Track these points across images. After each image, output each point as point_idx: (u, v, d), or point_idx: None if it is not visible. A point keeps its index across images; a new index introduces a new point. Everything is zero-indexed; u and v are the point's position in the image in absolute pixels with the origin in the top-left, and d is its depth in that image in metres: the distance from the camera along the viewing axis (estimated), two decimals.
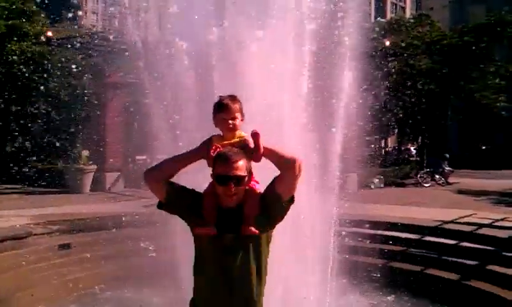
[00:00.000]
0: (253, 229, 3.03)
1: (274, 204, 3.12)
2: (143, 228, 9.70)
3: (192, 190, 3.19)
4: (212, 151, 3.09)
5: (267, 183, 3.20)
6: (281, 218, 3.20)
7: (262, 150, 3.09)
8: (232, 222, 3.04)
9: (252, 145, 3.11)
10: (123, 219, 10.65)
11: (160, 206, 3.20)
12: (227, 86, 6.48)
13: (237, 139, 3.19)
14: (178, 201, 3.12)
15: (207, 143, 3.17)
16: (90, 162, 17.35)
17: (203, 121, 6.86)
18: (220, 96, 3.28)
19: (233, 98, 3.26)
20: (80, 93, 16.52)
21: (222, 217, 3.05)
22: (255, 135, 3.08)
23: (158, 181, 3.10)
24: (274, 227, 3.22)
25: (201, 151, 3.12)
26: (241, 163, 3.01)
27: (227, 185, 2.98)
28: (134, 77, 8.26)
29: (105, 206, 13.48)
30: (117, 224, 10.43)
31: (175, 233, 6.74)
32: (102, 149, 17.39)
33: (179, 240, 6.62)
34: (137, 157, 17.04)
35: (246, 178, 3.06)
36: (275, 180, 3.15)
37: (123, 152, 17.88)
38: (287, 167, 3.08)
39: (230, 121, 3.19)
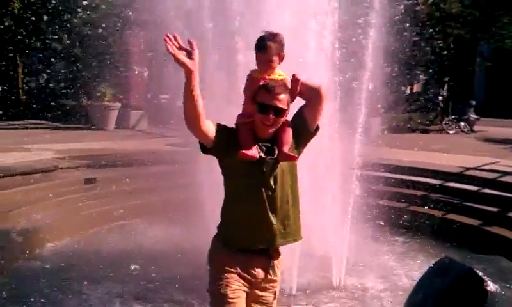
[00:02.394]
0: (291, 153, 3.17)
1: (302, 131, 3.26)
2: (167, 165, 9.89)
3: (225, 126, 3.21)
4: (260, 80, 3.16)
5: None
6: (305, 146, 3.36)
7: (297, 94, 3.24)
8: (269, 149, 3.15)
9: (289, 86, 3.21)
10: (147, 155, 10.82)
11: (204, 150, 3.20)
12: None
13: (277, 77, 3.25)
14: (218, 139, 3.12)
15: (248, 79, 3.28)
16: (115, 99, 17.45)
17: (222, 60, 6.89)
18: (264, 32, 3.30)
19: (273, 36, 3.27)
20: (104, 29, 16.38)
21: (259, 146, 3.15)
22: (296, 81, 3.20)
23: (195, 125, 3.05)
24: (300, 153, 3.33)
25: (185, 68, 2.94)
26: (283, 96, 3.11)
27: (267, 113, 3.07)
28: (156, 14, 8.16)
29: (129, 143, 13.64)
30: (141, 160, 10.60)
31: (199, 171, 6.86)
32: (126, 86, 17.45)
33: (204, 177, 6.74)
34: (161, 96, 17.05)
35: (286, 112, 3.16)
36: (303, 109, 3.29)
37: (147, 90, 17.91)
38: (314, 95, 3.23)
39: (267, 63, 3.24)
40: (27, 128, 16.49)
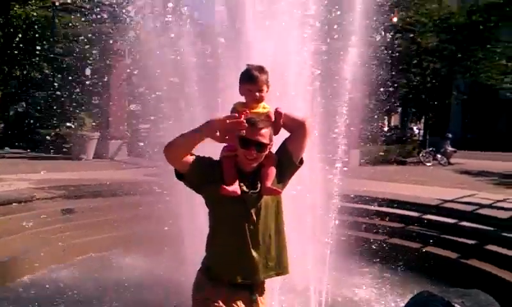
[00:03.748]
0: (275, 188, 3.18)
1: (287, 164, 3.29)
2: (145, 196, 9.83)
3: (209, 158, 3.23)
4: (242, 115, 3.12)
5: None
6: (289, 179, 3.39)
7: (280, 127, 3.29)
8: (251, 183, 3.17)
9: (273, 119, 3.24)
10: (126, 186, 10.74)
11: (179, 177, 3.21)
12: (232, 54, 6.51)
13: (261, 110, 3.26)
14: (197, 171, 3.14)
15: (232, 111, 3.25)
16: (94, 129, 17.36)
17: (206, 90, 6.92)
18: (248, 65, 3.33)
19: (261, 69, 3.30)
20: (84, 59, 16.41)
21: (241, 179, 3.15)
22: (279, 114, 3.23)
23: (175, 159, 3.12)
24: (285, 187, 3.36)
25: (208, 131, 3.07)
26: (265, 130, 3.12)
27: (249, 148, 3.09)
28: (138, 45, 8.23)
29: (107, 174, 13.53)
30: (119, 191, 10.52)
31: (178, 202, 6.82)
32: (105, 117, 17.39)
33: (182, 208, 6.71)
34: (141, 126, 17.01)
35: (268, 146, 3.17)
36: (287, 141, 3.32)
37: (127, 120, 17.88)
38: (298, 128, 3.27)
39: (257, 94, 3.26)
40: (4, 157, 16.29)
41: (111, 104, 17.42)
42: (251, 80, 3.24)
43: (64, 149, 16.91)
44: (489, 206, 10.49)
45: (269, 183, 3.17)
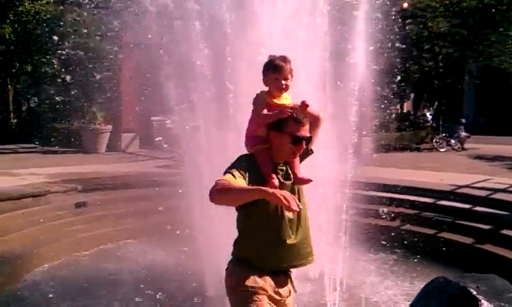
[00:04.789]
0: (307, 177, 3.29)
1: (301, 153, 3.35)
2: (158, 188, 9.87)
3: (245, 162, 3.20)
4: (283, 110, 3.20)
5: None
6: None
7: None
8: (285, 173, 3.26)
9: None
10: (138, 178, 10.79)
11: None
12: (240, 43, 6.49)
13: (285, 101, 3.33)
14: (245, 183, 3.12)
15: (259, 102, 3.29)
16: (106, 122, 17.42)
17: (215, 82, 6.91)
18: (271, 55, 3.40)
19: (285, 58, 3.37)
20: (95, 52, 16.44)
21: (275, 170, 3.23)
22: (305, 107, 3.26)
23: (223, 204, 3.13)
24: None
25: (269, 198, 2.92)
26: (308, 125, 3.24)
27: (300, 145, 3.20)
28: (148, 37, 8.21)
29: (120, 166, 13.58)
30: (132, 183, 10.57)
31: (190, 193, 6.84)
32: (117, 109, 17.43)
33: (194, 200, 6.72)
34: (153, 118, 17.05)
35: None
36: None
37: (139, 113, 17.90)
38: (315, 120, 3.36)
39: (283, 82, 3.31)
40: (17, 152, 16.42)
41: (122, 97, 17.44)
42: (277, 69, 3.30)
43: (77, 143, 17.02)
44: (504, 191, 10.39)
45: (299, 172, 3.28)
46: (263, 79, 3.37)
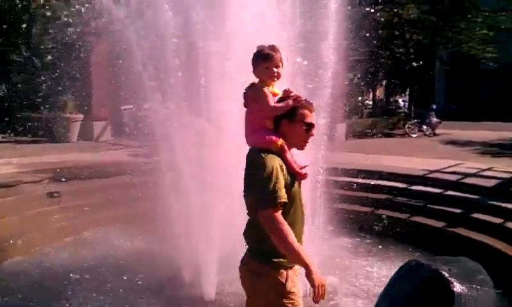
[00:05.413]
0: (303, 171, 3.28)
1: None
2: (131, 176, 9.79)
3: (278, 163, 3.07)
4: (297, 98, 3.19)
5: None
6: None
7: None
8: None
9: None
10: (111, 167, 10.68)
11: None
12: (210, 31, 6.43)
13: (276, 90, 3.30)
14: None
15: (265, 93, 3.21)
16: (77, 111, 17.15)
17: (186, 69, 6.85)
18: (259, 46, 3.34)
19: (274, 47, 3.33)
20: (64, 39, 16.13)
21: None
22: (289, 93, 3.25)
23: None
24: None
25: (311, 274, 2.97)
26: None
27: (311, 132, 3.20)
28: (117, 24, 8.07)
29: (93, 155, 13.42)
30: (105, 172, 10.46)
31: (164, 182, 6.80)
32: (88, 98, 17.17)
33: (169, 189, 6.68)
34: (124, 106, 16.86)
35: None
36: None
37: (110, 101, 17.67)
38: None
39: (275, 69, 3.27)
40: None
41: (92, 85, 17.19)
42: (267, 57, 3.25)
43: (48, 132, 16.74)
44: (475, 175, 10.57)
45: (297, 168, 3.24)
46: (253, 71, 3.32)
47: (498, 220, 8.11)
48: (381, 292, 3.79)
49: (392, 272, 3.89)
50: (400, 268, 3.82)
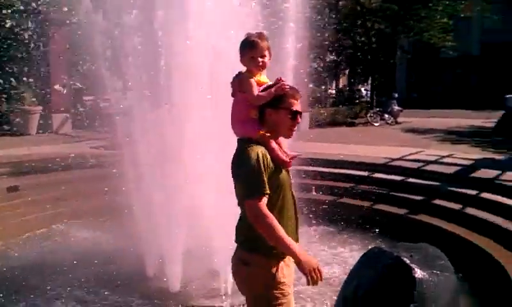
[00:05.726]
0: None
1: None
2: (93, 169, 9.65)
3: (262, 154, 3.02)
4: (280, 86, 3.12)
5: None
6: None
7: None
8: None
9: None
10: (72, 160, 10.49)
11: None
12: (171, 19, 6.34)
13: (264, 79, 3.24)
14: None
15: (250, 83, 3.16)
16: (35, 103, 16.77)
17: (148, 58, 6.75)
18: (248, 33, 3.29)
19: (262, 35, 3.27)
20: (21, 29, 15.72)
21: None
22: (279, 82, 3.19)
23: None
24: None
25: (300, 261, 2.91)
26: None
27: (297, 119, 3.15)
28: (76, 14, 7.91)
29: (53, 148, 13.14)
30: (66, 165, 10.27)
31: (126, 175, 6.71)
32: (47, 89, 16.79)
33: (131, 181, 6.60)
34: (85, 98, 16.56)
35: None
36: None
37: (70, 93, 17.33)
38: None
39: (260, 59, 3.21)
40: None
41: (51, 77, 16.80)
42: (253, 46, 3.20)
43: (5, 125, 16.33)
44: (436, 163, 10.76)
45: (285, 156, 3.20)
46: (240, 59, 3.26)
47: (457, 206, 8.29)
48: (345, 279, 3.84)
49: (356, 260, 3.94)
50: (363, 255, 3.87)
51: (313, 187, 9.84)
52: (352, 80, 34.13)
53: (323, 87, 26.49)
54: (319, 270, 2.90)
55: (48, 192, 9.29)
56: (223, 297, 5.80)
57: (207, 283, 6.09)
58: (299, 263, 2.88)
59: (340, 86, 35.96)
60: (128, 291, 6.04)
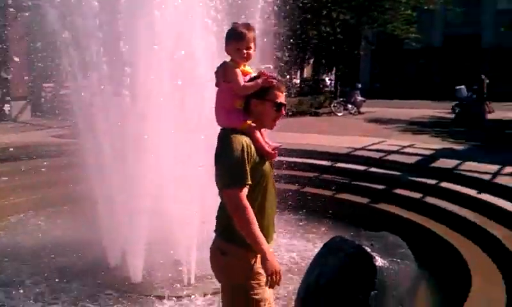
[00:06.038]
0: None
1: None
2: (53, 158, 9.45)
3: (246, 151, 3.00)
4: (267, 78, 3.12)
5: None
6: None
7: None
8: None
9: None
10: (32, 149, 10.27)
11: None
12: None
13: (248, 70, 3.23)
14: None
15: (236, 73, 3.14)
16: None
17: (110, 45, 6.62)
18: (234, 23, 3.25)
19: (249, 26, 3.23)
20: None
21: None
22: (264, 75, 3.17)
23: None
24: None
25: (267, 261, 2.92)
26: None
27: (281, 111, 3.19)
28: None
29: (12, 137, 12.84)
30: (25, 154, 10.04)
31: (87, 163, 6.60)
32: (5, 76, 16.37)
33: (92, 170, 6.50)
34: (44, 85, 16.18)
35: None
36: None
37: (29, 79, 16.91)
38: None
39: (245, 51, 3.18)
40: None
41: (10, 61, 16.36)
42: (239, 37, 3.16)
43: None
44: (397, 152, 10.92)
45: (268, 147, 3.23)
46: (225, 48, 3.23)
47: (417, 195, 8.44)
48: (308, 268, 3.85)
49: (318, 248, 3.96)
50: (325, 244, 3.89)
51: (276, 177, 9.83)
52: (316, 70, 34.33)
53: (288, 77, 26.52)
54: (279, 275, 2.94)
55: (8, 182, 9.06)
56: (185, 286, 5.79)
57: (170, 273, 6.05)
58: (265, 262, 2.91)
59: (305, 75, 36.13)
60: (89, 281, 5.98)
